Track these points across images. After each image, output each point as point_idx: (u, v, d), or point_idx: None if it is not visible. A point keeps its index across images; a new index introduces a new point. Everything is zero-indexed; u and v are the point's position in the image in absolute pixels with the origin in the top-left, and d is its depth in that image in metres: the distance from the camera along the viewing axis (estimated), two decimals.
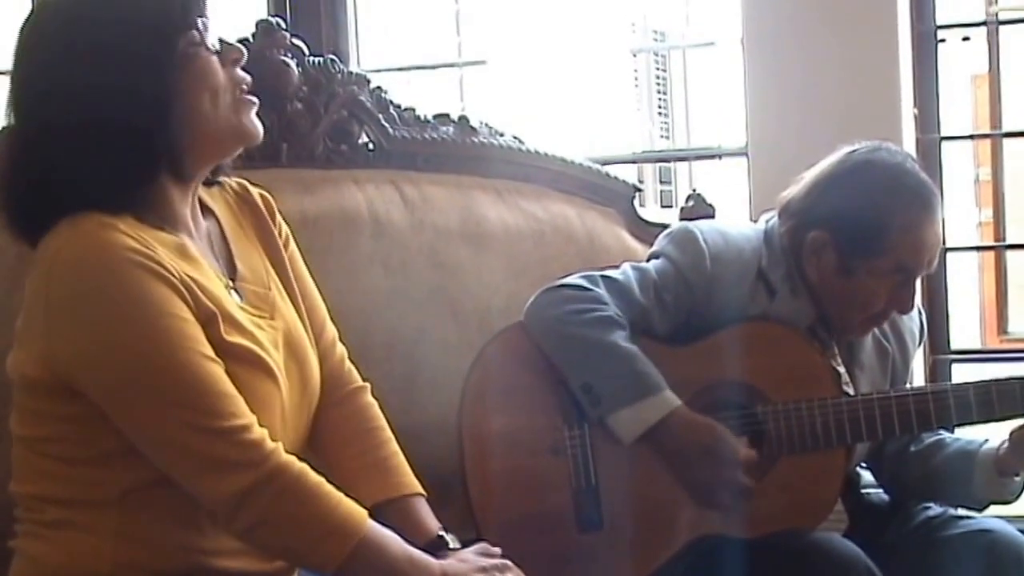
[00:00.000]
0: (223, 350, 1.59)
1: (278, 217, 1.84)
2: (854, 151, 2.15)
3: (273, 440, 1.58)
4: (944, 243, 2.62)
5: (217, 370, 1.56)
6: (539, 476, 2.07)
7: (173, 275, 1.56)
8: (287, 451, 1.60)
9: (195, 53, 1.61)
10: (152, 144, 1.58)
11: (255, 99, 1.67)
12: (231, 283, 1.70)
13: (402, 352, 2.27)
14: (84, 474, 1.61)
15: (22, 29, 1.63)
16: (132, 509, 1.61)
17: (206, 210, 1.75)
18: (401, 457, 1.83)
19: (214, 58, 1.63)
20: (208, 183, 1.76)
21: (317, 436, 1.80)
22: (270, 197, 1.85)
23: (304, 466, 1.59)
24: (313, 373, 1.77)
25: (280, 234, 1.83)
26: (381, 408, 1.88)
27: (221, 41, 1.65)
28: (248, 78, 1.66)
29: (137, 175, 1.59)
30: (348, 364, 1.88)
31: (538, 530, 2.06)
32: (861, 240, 2.09)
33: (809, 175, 2.18)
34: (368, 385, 1.88)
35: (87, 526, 1.62)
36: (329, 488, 1.60)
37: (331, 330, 1.87)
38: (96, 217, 1.56)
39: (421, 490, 1.81)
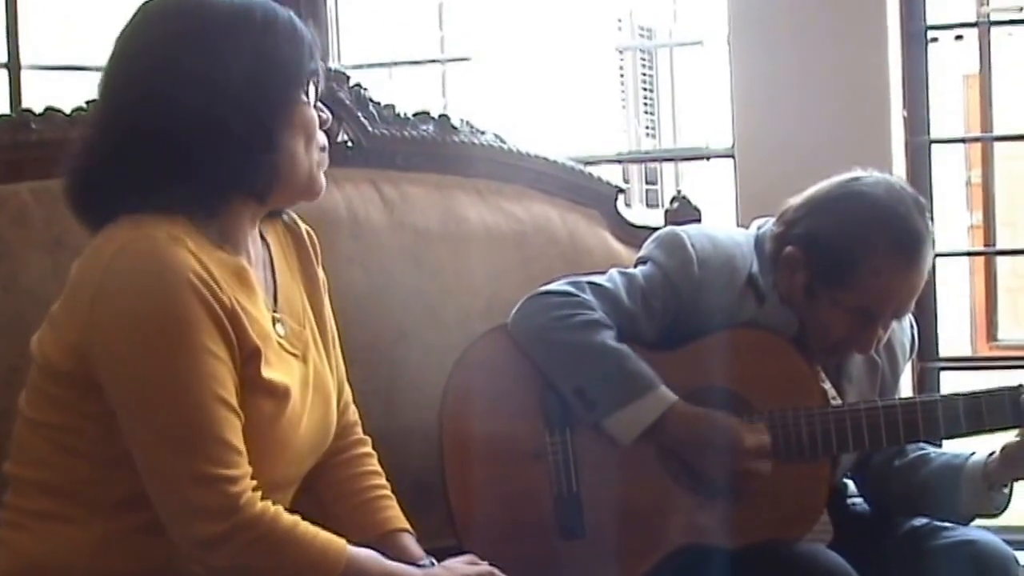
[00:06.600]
0: (258, 386, 1.61)
1: (319, 259, 1.85)
2: (857, 179, 2.11)
3: (267, 486, 1.58)
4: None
5: (227, 417, 1.56)
6: (520, 482, 2.05)
7: (224, 305, 1.56)
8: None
9: (307, 102, 1.66)
10: (254, 165, 1.60)
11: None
12: (275, 315, 1.70)
13: (382, 354, 2.23)
14: (86, 471, 1.61)
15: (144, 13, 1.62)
16: (123, 514, 1.61)
17: (260, 236, 1.75)
18: (394, 502, 1.85)
19: (315, 112, 1.69)
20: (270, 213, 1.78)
21: (316, 485, 1.81)
22: (315, 236, 1.85)
23: (277, 509, 1.59)
24: (332, 417, 1.78)
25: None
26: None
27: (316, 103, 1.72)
28: (327, 143, 1.72)
29: (224, 189, 1.61)
30: (359, 428, 1.90)
31: (519, 537, 2.03)
32: (830, 268, 2.06)
33: (811, 189, 2.14)
34: (368, 439, 1.89)
35: (74, 521, 1.61)
36: (303, 528, 1.60)
37: (347, 390, 1.88)
38: (164, 224, 1.56)
39: (409, 528, 1.82)
